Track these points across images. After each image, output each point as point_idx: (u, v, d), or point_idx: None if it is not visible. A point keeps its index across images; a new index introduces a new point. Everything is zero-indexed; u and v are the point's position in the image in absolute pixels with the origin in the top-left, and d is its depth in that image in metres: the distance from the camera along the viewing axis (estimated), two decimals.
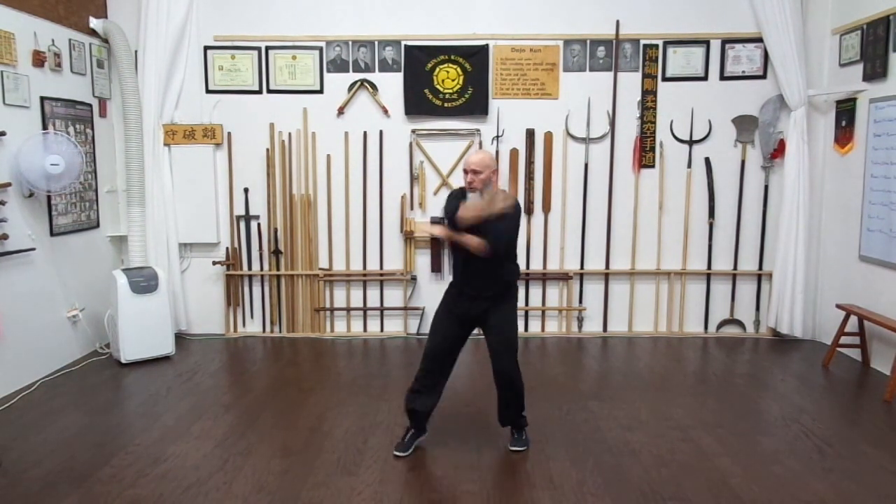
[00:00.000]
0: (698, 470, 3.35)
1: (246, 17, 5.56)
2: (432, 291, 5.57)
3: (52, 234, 4.83)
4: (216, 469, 3.36)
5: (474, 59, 5.55)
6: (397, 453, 3.49)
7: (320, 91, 5.63)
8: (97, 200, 5.39)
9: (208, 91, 5.62)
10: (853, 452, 3.55)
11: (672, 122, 5.65)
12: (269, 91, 5.64)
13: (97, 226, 5.41)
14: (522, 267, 5.78)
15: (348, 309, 5.85)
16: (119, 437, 3.75)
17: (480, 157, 3.41)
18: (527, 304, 5.83)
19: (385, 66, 5.61)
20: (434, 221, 3.48)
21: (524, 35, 5.56)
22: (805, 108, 5.41)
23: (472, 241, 3.24)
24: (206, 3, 5.54)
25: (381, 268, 5.79)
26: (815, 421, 3.96)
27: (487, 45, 5.56)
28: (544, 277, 5.82)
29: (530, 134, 5.67)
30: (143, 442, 3.67)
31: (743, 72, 5.59)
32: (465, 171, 3.39)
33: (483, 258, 3.27)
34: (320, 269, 5.80)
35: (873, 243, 4.90)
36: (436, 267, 5.74)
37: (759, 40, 5.49)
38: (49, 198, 4.77)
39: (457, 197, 3.45)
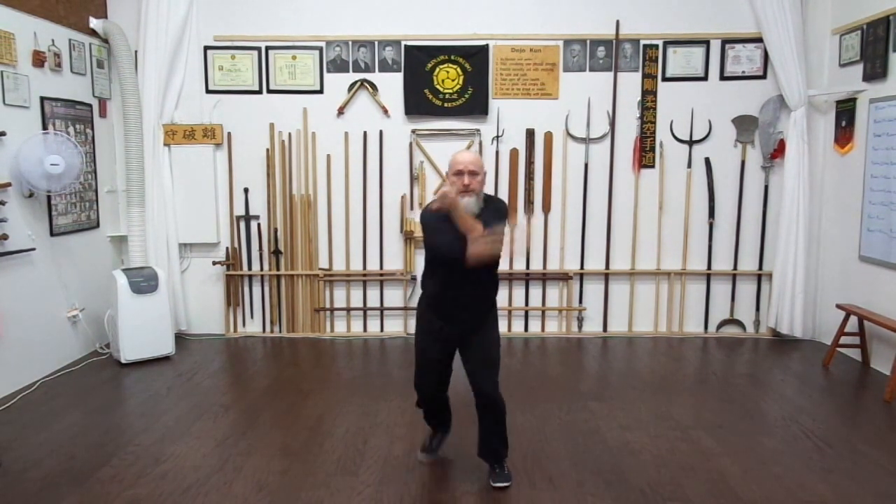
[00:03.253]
0: (698, 470, 3.35)
1: (246, 17, 5.56)
2: None
3: (52, 234, 4.83)
4: (216, 469, 3.36)
5: (474, 59, 5.55)
6: (423, 459, 3.43)
7: (320, 91, 5.63)
8: (97, 200, 5.39)
9: (208, 91, 5.62)
10: (853, 452, 3.55)
11: (672, 122, 5.65)
12: (269, 91, 5.63)
13: (97, 226, 5.41)
14: (522, 267, 5.81)
15: (348, 309, 5.85)
16: (119, 437, 3.75)
17: (474, 156, 2.95)
18: (527, 304, 5.83)
19: (385, 66, 5.61)
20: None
21: (524, 35, 5.56)
22: (805, 108, 5.41)
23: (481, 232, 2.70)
24: (206, 3, 5.54)
25: (381, 268, 5.79)
26: (814, 421, 3.96)
27: (487, 45, 5.55)
28: (544, 277, 5.82)
29: (530, 134, 5.66)
30: (143, 442, 3.67)
31: (743, 72, 5.59)
32: (460, 173, 2.88)
33: (474, 269, 2.84)
34: (320, 269, 5.80)
35: (873, 243, 4.90)
36: None
37: (759, 40, 5.49)
38: (49, 198, 4.77)
39: (439, 216, 2.89)
